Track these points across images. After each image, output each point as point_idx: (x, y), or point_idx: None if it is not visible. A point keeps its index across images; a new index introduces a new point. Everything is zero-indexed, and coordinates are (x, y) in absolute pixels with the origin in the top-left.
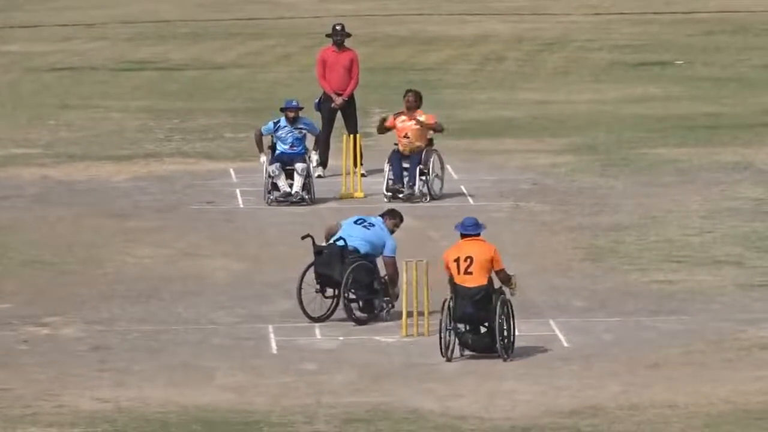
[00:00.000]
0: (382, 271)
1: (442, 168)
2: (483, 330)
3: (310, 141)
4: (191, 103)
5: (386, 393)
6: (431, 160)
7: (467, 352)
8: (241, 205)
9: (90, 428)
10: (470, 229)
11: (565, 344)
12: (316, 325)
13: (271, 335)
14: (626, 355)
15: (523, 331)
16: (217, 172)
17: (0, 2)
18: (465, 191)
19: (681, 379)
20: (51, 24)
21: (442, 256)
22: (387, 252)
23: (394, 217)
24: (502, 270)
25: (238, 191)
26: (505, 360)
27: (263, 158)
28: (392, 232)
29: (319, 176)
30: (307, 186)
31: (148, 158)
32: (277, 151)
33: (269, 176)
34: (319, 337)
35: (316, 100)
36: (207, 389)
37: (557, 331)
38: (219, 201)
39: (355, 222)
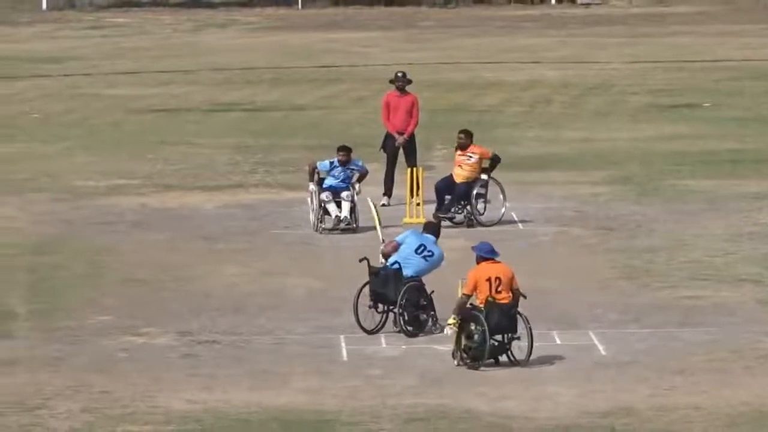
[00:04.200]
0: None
1: (503, 195)
2: (497, 341)
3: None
4: (274, 140)
5: (443, 395)
6: (473, 192)
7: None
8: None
9: (181, 426)
10: (491, 254)
11: (603, 352)
12: (382, 334)
13: (342, 344)
14: (656, 363)
15: (566, 341)
16: (296, 200)
17: (107, 50)
18: (515, 218)
19: (705, 384)
20: (151, 71)
21: (470, 275)
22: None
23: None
24: (518, 288)
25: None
26: (523, 366)
27: (312, 186)
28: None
29: (384, 205)
30: (354, 212)
31: (234, 188)
32: (327, 184)
33: (321, 204)
34: (384, 345)
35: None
36: (284, 392)
37: (595, 341)
38: (297, 226)
39: (417, 251)
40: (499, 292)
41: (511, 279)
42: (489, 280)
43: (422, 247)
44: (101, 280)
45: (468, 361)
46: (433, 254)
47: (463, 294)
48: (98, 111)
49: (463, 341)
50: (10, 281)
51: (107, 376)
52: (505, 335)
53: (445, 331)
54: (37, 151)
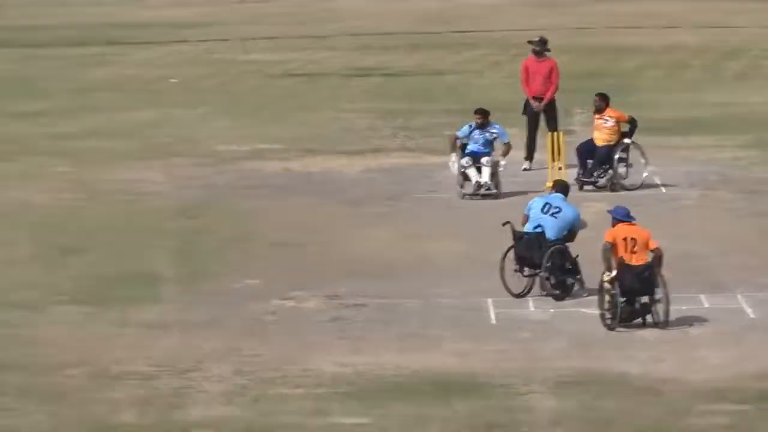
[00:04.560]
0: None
1: (644, 159)
2: (638, 304)
3: (499, 147)
4: (413, 105)
5: (593, 359)
6: (615, 156)
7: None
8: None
9: (333, 389)
10: (627, 217)
11: (752, 315)
12: (530, 298)
13: (491, 307)
14: None
15: (714, 304)
16: (437, 165)
17: (245, 16)
18: (658, 182)
19: None
20: (289, 36)
21: (607, 234)
22: (578, 224)
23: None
24: (657, 247)
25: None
26: (661, 328)
27: (453, 157)
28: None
29: (526, 169)
30: (495, 177)
31: (376, 153)
32: (468, 150)
33: (461, 169)
34: (532, 309)
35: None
36: (435, 355)
37: (743, 304)
38: (440, 190)
39: (543, 210)
40: (635, 252)
41: (647, 241)
42: (625, 239)
43: (547, 206)
44: (248, 244)
45: (608, 321)
46: (560, 210)
47: (606, 242)
48: (236, 76)
49: (606, 302)
50: (158, 245)
51: (257, 340)
52: (650, 297)
53: (605, 286)
54: (178, 116)
